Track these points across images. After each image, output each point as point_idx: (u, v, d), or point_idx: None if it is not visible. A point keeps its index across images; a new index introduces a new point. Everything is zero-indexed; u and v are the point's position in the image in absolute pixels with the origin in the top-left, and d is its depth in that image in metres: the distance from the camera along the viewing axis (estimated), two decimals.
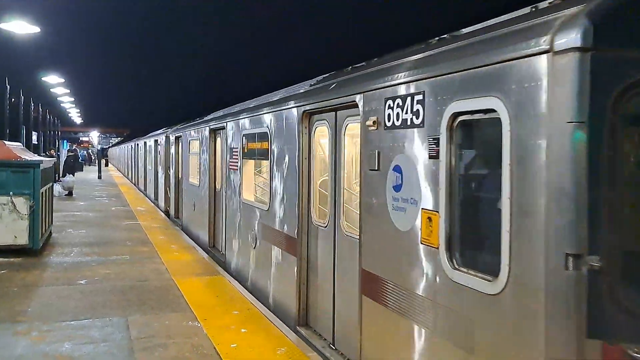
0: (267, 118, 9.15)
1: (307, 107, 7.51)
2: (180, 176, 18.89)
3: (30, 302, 9.14)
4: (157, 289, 9.99)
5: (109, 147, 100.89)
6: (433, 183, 4.60)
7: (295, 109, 7.89)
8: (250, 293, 9.73)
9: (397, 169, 5.17)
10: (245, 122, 10.48)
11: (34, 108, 41.33)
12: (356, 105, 6.08)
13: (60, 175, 34.43)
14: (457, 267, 4.32)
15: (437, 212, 4.52)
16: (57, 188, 26.87)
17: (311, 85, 8.16)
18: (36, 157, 15.70)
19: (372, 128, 5.60)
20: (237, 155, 11.00)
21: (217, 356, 6.88)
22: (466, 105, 4.19)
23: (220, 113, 13.59)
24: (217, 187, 13.54)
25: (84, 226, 18.01)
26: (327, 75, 8.17)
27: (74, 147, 75.43)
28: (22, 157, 13.82)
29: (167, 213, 21.59)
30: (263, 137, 9.35)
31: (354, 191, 7.25)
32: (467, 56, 4.21)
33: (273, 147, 8.86)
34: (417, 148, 4.84)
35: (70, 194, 28.92)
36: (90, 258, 12.82)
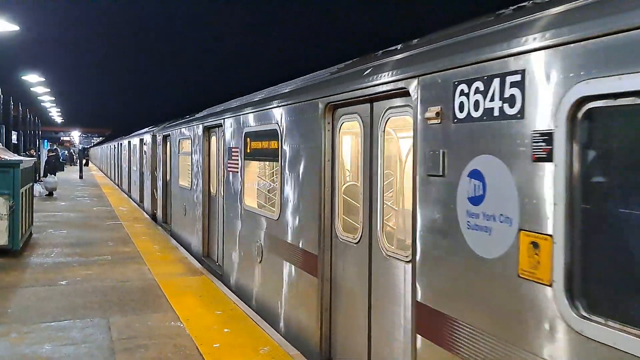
0: (277, 113, 7.84)
1: (332, 99, 6.22)
2: (168, 178, 17.50)
3: (10, 304, 8.92)
4: (139, 290, 9.84)
5: (90, 147, 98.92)
6: (541, 195, 3.33)
7: (316, 101, 6.60)
8: (257, 313, 8.43)
9: (476, 174, 3.90)
10: (248, 118, 9.17)
11: (13, 107, 39.70)
12: (405, 94, 4.81)
13: (41, 175, 33.53)
14: (586, 315, 3.06)
15: (550, 235, 3.26)
16: (38, 188, 26.55)
17: (332, 74, 6.87)
18: (16, 157, 15.38)
19: (434, 122, 4.33)
20: (237, 156, 9.68)
21: (199, 356, 6.78)
22: (607, 85, 2.92)
23: (216, 109, 12.24)
24: (211, 190, 12.20)
25: (65, 227, 17.64)
26: (353, 60, 6.89)
27: (54, 146, 73.43)
28: (2, 156, 13.48)
29: (153, 217, 20.18)
30: (271, 135, 8.04)
31: (396, 201, 6.00)
32: (612, 14, 2.94)
33: (284, 146, 7.56)
34: (512, 147, 3.57)
35: (50, 194, 28.59)
36: (71, 259, 12.54)
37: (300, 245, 7.01)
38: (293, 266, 7.26)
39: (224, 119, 10.52)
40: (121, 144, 35.49)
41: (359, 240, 5.81)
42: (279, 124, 7.72)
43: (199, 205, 12.72)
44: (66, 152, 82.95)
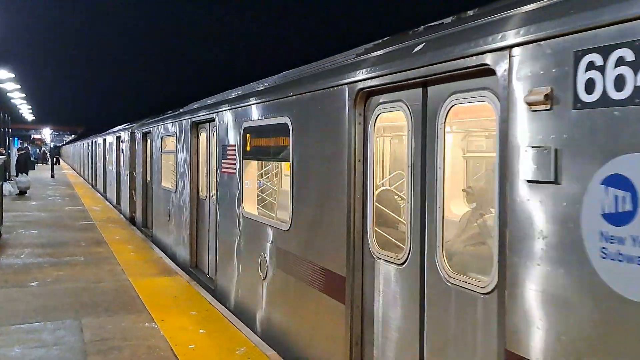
0: (288, 103, 6.63)
1: (365, 84, 5.03)
2: (149, 178, 16.16)
3: None
4: (112, 291, 9.63)
5: (62, 145, 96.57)
6: None
7: (342, 87, 5.40)
8: (262, 339, 7.21)
9: (619, 182, 2.75)
10: (248, 111, 7.93)
11: None
12: (484, 72, 3.65)
13: (11, 174, 32.24)
14: None
15: None
16: (8, 187, 25.53)
17: (358, 55, 5.68)
18: None
19: (540, 107, 3.17)
20: (234, 155, 8.43)
21: (174, 358, 6.65)
22: None
23: (206, 102, 10.96)
24: (200, 193, 10.93)
25: (36, 226, 17.15)
26: (384, 39, 5.71)
27: (25, 144, 71.08)
28: None
29: (132, 220, 18.79)
30: (280, 130, 6.82)
31: (455, 212, 4.84)
32: None
33: (298, 143, 6.35)
34: None
35: (23, 193, 27.77)
36: (42, 259, 12.16)
37: (321, 264, 5.81)
38: (310, 287, 6.05)
39: (217, 112, 9.25)
40: (95, 141, 33.89)
41: (405, 261, 4.62)
42: (291, 117, 6.51)
43: (185, 210, 11.43)
44: (37, 150, 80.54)
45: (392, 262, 4.81)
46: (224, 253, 8.96)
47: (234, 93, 9.18)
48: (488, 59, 3.56)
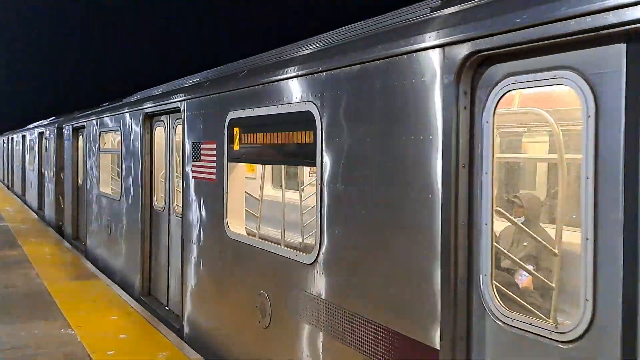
0: (313, 83, 4.62)
1: (489, 43, 3.12)
2: (81, 182, 13.68)
3: None
4: (25, 296, 9.12)
5: None
6: None
7: (430, 52, 3.48)
8: None
9: None
10: (238, 96, 5.86)
11: None
12: None
13: None
14: None
15: None
16: None
17: (433, 10, 3.78)
18: None
19: None
20: (212, 156, 6.35)
21: None
22: None
23: (166, 88, 8.75)
24: (156, 203, 8.72)
25: None
26: None
27: None
28: None
29: (59, 230, 16.15)
30: (297, 122, 4.81)
31: None
32: None
33: (332, 140, 4.36)
34: None
35: None
36: None
37: (384, 323, 3.85)
38: (361, 354, 4.07)
39: (185, 100, 7.10)
40: (12, 138, 30.49)
41: (578, 337, 2.74)
42: (319, 102, 4.51)
43: (134, 223, 9.18)
44: None
45: (539, 334, 2.92)
46: (198, 284, 6.84)
47: (213, 73, 7.06)
48: None
